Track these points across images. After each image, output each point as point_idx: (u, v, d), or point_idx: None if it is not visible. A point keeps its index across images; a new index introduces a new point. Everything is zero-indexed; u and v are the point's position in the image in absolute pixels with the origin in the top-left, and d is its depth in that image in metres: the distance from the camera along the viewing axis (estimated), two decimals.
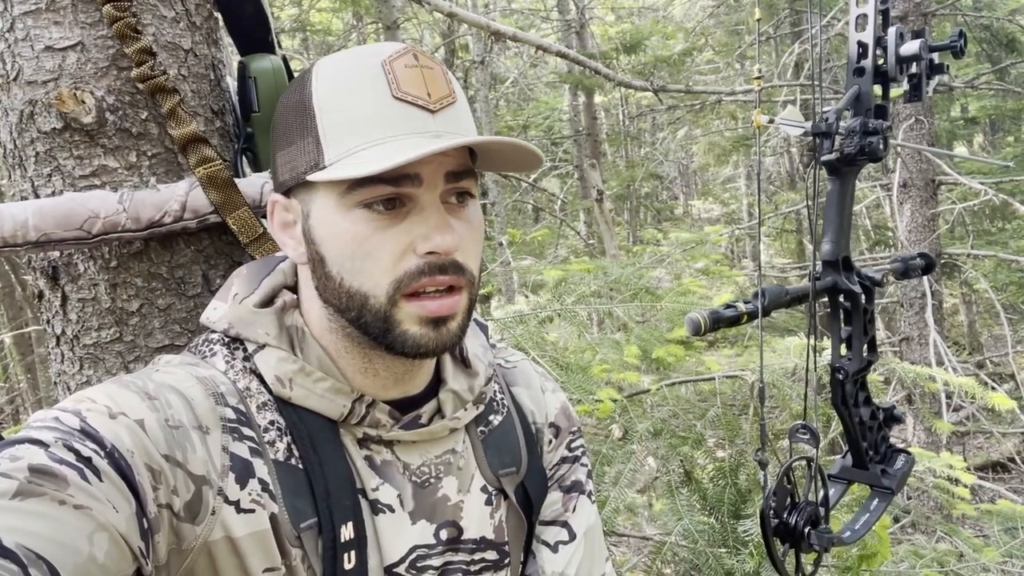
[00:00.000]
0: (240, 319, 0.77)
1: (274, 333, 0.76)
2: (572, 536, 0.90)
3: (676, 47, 9.21)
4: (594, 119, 10.03)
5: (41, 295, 0.97)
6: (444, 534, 0.80)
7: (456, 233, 0.72)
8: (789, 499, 1.04)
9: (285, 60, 1.03)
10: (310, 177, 0.72)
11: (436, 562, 0.79)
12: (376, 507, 0.77)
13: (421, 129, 0.70)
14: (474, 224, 0.75)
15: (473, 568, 0.82)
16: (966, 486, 2.09)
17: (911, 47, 0.99)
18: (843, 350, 1.10)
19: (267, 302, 0.79)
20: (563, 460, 0.93)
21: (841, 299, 1.08)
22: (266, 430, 0.73)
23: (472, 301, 0.76)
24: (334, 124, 0.71)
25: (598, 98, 11.21)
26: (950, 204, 6.28)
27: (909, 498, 4.48)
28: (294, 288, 0.82)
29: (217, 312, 0.79)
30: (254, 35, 1.02)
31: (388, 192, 0.70)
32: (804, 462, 1.07)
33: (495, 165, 0.80)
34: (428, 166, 0.70)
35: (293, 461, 0.73)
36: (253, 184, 0.96)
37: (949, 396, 4.64)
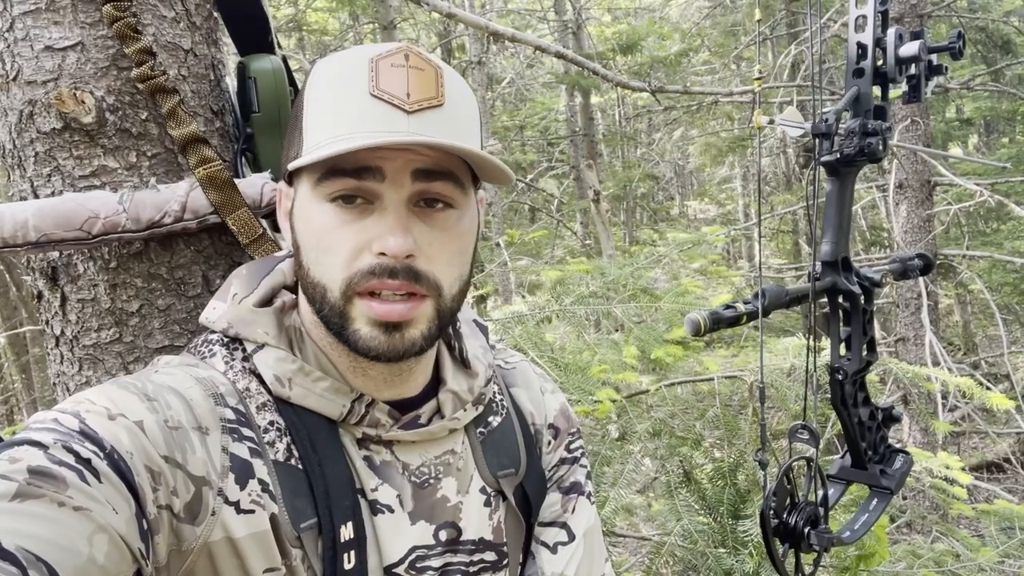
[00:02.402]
0: (239, 319, 0.77)
1: (273, 333, 0.76)
2: (571, 537, 0.89)
3: (672, 48, 9.22)
4: (591, 120, 10.05)
5: (40, 296, 0.97)
6: (443, 535, 0.80)
7: (412, 238, 0.70)
8: (789, 499, 1.04)
9: (285, 60, 1.03)
10: (288, 166, 0.74)
11: (436, 563, 0.79)
12: (375, 507, 0.77)
13: (390, 128, 0.69)
14: (450, 233, 0.73)
15: (472, 569, 0.82)
16: (963, 486, 2.09)
17: (910, 48, 0.99)
18: (842, 350, 1.10)
19: (266, 302, 0.79)
20: (562, 461, 0.93)
21: (840, 299, 1.08)
22: (266, 431, 0.73)
23: (441, 312, 0.74)
24: (314, 116, 0.72)
25: (595, 99, 11.23)
26: (946, 205, 6.30)
27: (905, 498, 4.50)
28: (293, 288, 0.82)
29: (216, 312, 0.79)
30: (254, 35, 1.02)
31: (351, 185, 0.69)
32: (803, 462, 1.08)
33: (485, 176, 0.78)
34: (393, 162, 0.69)
35: (293, 461, 0.73)
36: (253, 184, 0.96)
37: (945, 396, 4.65)
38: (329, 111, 0.71)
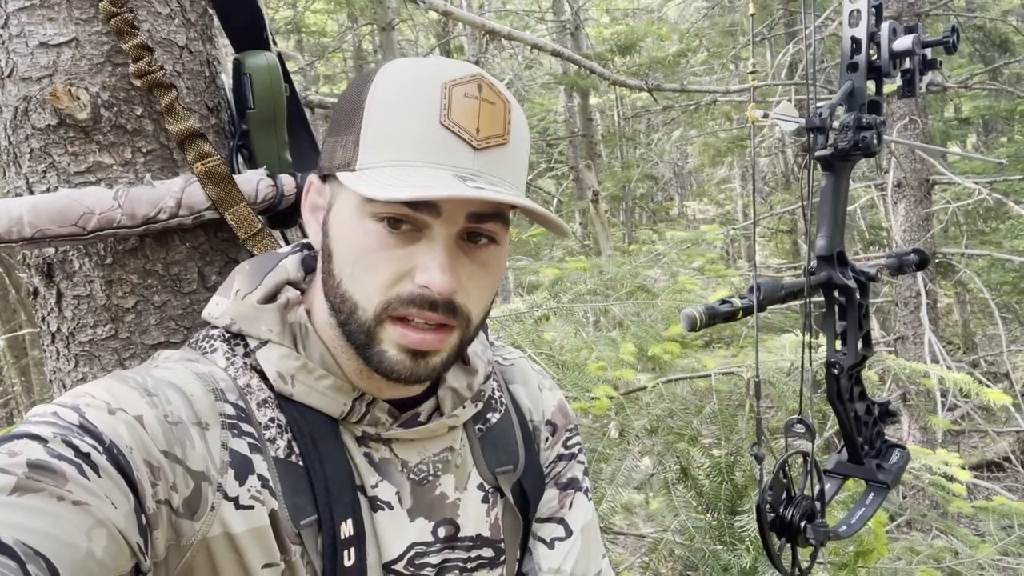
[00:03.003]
0: (242, 315, 0.77)
1: (277, 329, 0.76)
2: (568, 533, 0.90)
3: (670, 48, 9.23)
4: (589, 120, 10.06)
5: (36, 292, 0.97)
6: (442, 532, 0.80)
7: (458, 276, 0.70)
8: (785, 493, 1.04)
9: (280, 57, 1.03)
10: (339, 175, 0.72)
11: (434, 559, 0.79)
12: (375, 504, 0.77)
13: (455, 163, 0.69)
14: (489, 268, 0.74)
15: (469, 565, 0.82)
16: (962, 483, 2.09)
17: (904, 42, 0.99)
18: (838, 345, 1.10)
19: (270, 298, 0.79)
20: (559, 457, 0.94)
21: (836, 294, 1.08)
22: (266, 427, 0.73)
23: (464, 341, 0.75)
24: (375, 131, 0.70)
25: (593, 99, 11.23)
26: (944, 204, 6.31)
27: (904, 496, 4.50)
28: (297, 284, 0.82)
29: (219, 308, 0.79)
30: (249, 32, 1.02)
31: (405, 213, 0.69)
32: (800, 456, 1.08)
33: (531, 214, 0.77)
34: (450, 201, 0.69)
35: (293, 458, 0.73)
36: (249, 180, 0.96)
37: (944, 395, 4.65)
38: (394, 130, 0.69)
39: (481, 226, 0.71)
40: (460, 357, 0.77)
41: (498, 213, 0.72)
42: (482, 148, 0.69)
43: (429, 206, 0.68)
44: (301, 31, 9.78)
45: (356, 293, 0.71)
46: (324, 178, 0.77)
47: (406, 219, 0.69)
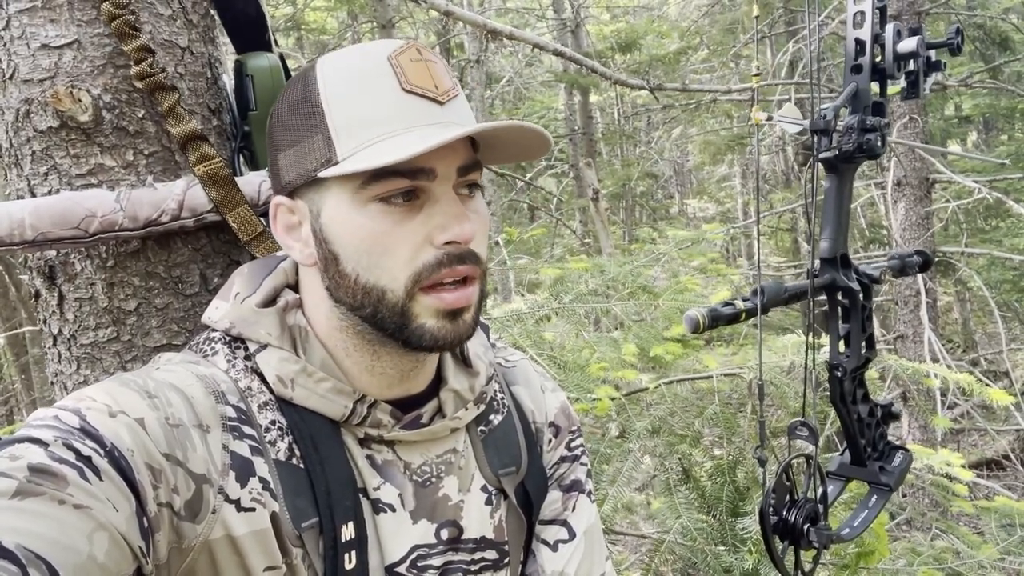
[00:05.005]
0: (242, 319, 0.76)
1: (276, 333, 0.76)
2: (572, 535, 0.90)
3: (671, 46, 9.22)
4: (590, 118, 10.05)
5: (38, 295, 0.96)
6: (445, 533, 0.80)
7: (472, 222, 0.72)
8: (788, 496, 1.04)
9: (282, 58, 1.03)
10: (322, 174, 0.71)
11: (437, 562, 0.79)
12: (377, 506, 0.77)
13: (432, 120, 0.71)
14: (482, 215, 0.76)
15: (473, 568, 0.82)
16: (963, 483, 2.09)
17: (909, 44, 0.99)
18: (841, 347, 1.10)
19: (269, 302, 0.79)
20: (562, 459, 0.94)
21: (839, 296, 1.08)
22: (267, 430, 0.73)
23: (483, 293, 0.77)
24: (345, 119, 0.71)
25: (593, 97, 11.22)
26: (944, 202, 6.31)
27: (904, 495, 4.50)
28: (296, 287, 0.82)
29: (219, 311, 0.78)
30: (251, 33, 1.02)
31: (405, 185, 0.70)
32: (803, 459, 1.07)
33: (497, 157, 0.79)
34: (442, 160, 0.71)
35: (294, 461, 0.73)
36: (251, 182, 0.96)
37: (944, 394, 4.65)
38: (363, 111, 0.70)
39: (468, 177, 0.74)
40: (480, 313, 0.78)
41: (476, 163, 0.75)
42: (446, 102, 0.72)
43: (425, 171, 0.70)
44: (301, 28, 9.76)
45: (380, 279, 0.71)
46: (292, 195, 0.76)
47: (406, 191, 0.70)
